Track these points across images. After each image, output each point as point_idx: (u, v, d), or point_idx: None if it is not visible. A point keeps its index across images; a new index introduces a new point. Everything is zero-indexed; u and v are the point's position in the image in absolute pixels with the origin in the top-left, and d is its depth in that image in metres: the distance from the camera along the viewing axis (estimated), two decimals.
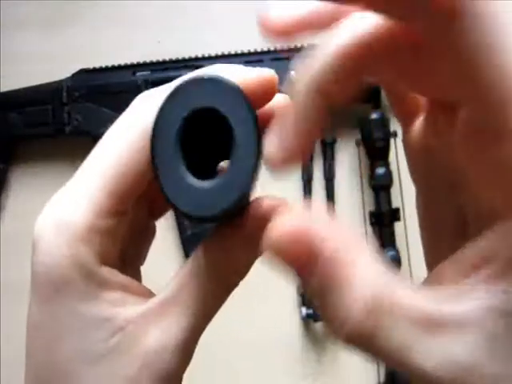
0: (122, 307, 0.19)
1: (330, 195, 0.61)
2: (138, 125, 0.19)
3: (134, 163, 0.19)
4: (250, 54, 0.61)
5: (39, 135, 0.65)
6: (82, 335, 0.18)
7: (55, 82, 0.65)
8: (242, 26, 0.67)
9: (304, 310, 0.59)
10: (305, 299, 0.60)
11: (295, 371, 0.61)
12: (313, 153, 0.62)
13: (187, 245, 0.61)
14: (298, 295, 0.61)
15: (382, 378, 0.57)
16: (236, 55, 0.61)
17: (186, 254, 0.62)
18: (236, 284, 0.21)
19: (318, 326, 0.60)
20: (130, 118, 0.19)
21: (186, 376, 0.60)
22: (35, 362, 0.19)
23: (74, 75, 0.65)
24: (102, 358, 0.18)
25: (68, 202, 0.19)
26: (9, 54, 0.71)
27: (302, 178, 0.62)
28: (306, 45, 0.60)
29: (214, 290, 0.20)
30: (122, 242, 0.20)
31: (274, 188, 0.69)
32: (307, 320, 0.60)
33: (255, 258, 0.20)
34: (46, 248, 0.18)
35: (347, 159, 0.63)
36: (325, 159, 0.62)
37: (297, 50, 0.60)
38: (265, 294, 0.62)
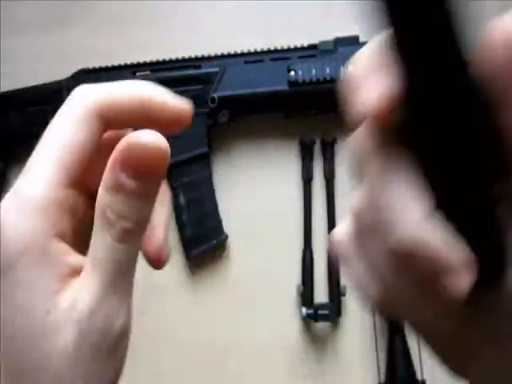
0: (64, 283, 0.20)
1: (330, 195, 0.61)
2: (78, 109, 0.22)
3: (78, 139, 0.22)
4: (249, 53, 0.61)
5: (39, 135, 0.65)
6: (30, 308, 0.20)
7: (55, 82, 0.65)
8: (241, 26, 0.67)
9: (304, 310, 0.59)
10: (305, 299, 0.60)
11: (295, 371, 0.61)
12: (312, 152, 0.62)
13: (187, 245, 0.61)
14: (298, 295, 0.61)
15: (382, 378, 0.57)
16: (236, 55, 0.61)
17: (187, 255, 0.62)
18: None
19: (318, 325, 0.60)
20: (71, 105, 0.23)
21: (186, 376, 0.60)
22: None
23: (73, 75, 0.65)
24: (46, 332, 0.20)
25: (27, 179, 0.21)
26: (9, 54, 0.71)
27: (302, 177, 0.62)
28: (304, 45, 0.60)
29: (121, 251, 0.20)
30: (77, 219, 0.22)
31: (274, 188, 0.69)
32: (307, 320, 0.60)
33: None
34: (9, 222, 0.20)
35: (347, 159, 0.63)
36: (325, 159, 0.62)
37: (296, 49, 0.60)
38: (265, 295, 0.62)
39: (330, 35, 0.60)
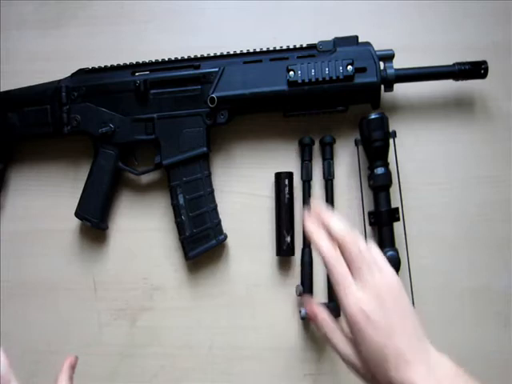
0: None
1: (330, 195, 0.61)
2: None
3: None
4: (249, 53, 0.61)
5: (38, 135, 0.65)
6: None
7: (54, 82, 0.65)
8: (241, 26, 0.67)
9: (303, 311, 0.59)
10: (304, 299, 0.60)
11: (295, 371, 0.61)
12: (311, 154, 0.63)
13: (186, 245, 0.61)
14: (297, 295, 0.61)
15: None
16: (235, 55, 0.61)
17: (186, 255, 0.62)
18: None
19: None
20: None
21: (186, 375, 0.60)
22: None
23: (73, 75, 0.65)
24: None
25: None
26: (9, 53, 0.71)
27: (302, 178, 0.62)
28: (304, 45, 0.59)
29: None
30: None
31: (273, 188, 0.69)
32: (307, 320, 0.60)
33: None
34: None
35: (346, 159, 0.63)
36: (324, 159, 0.62)
37: (295, 49, 0.60)
38: (265, 295, 0.62)
39: (329, 35, 0.60)
